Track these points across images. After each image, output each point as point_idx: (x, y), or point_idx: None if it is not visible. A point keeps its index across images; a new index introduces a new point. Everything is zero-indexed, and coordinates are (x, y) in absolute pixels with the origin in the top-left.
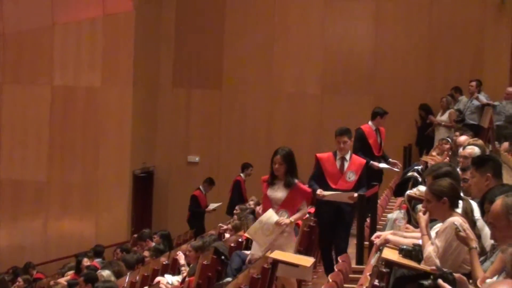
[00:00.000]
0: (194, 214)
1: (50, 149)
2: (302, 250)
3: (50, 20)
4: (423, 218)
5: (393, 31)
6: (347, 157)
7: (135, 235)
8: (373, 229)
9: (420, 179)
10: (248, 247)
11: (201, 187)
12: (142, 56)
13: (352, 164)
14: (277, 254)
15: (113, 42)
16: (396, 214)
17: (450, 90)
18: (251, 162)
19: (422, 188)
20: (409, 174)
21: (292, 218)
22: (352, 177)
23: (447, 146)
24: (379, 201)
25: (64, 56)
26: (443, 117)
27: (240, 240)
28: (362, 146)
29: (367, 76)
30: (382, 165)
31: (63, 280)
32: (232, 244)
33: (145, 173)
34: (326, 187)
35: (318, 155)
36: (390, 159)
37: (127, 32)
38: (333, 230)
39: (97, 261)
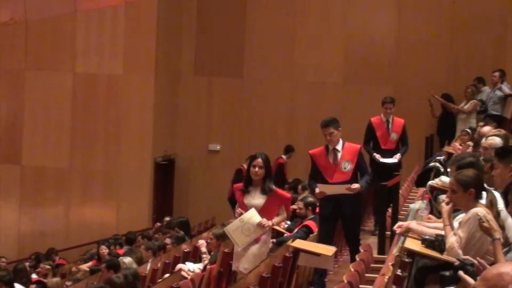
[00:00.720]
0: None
1: (72, 136)
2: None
3: (73, 7)
4: (446, 208)
5: (415, 20)
6: (339, 147)
7: (159, 223)
8: (395, 219)
9: (442, 170)
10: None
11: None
12: (164, 44)
13: (346, 153)
14: (298, 243)
15: (135, 30)
16: (419, 204)
17: (473, 80)
18: (272, 151)
19: (444, 179)
20: (431, 164)
21: (274, 221)
22: (347, 166)
23: (466, 137)
24: (400, 191)
25: (86, 44)
26: (466, 107)
27: None
28: (370, 138)
29: (389, 66)
30: (383, 160)
31: (85, 267)
32: None
33: (166, 161)
34: (324, 183)
35: (310, 151)
36: (397, 157)
37: (149, 20)
38: (334, 226)
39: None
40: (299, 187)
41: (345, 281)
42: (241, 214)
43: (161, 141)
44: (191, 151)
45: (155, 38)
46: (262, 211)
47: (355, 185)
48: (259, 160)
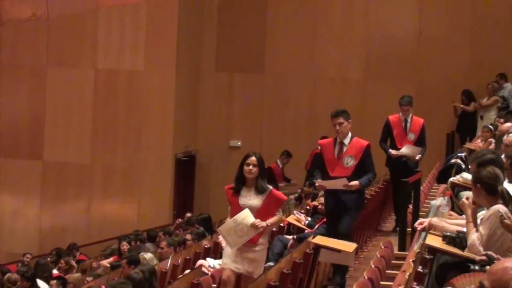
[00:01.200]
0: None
1: (93, 132)
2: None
3: (94, 3)
4: (469, 205)
5: (437, 17)
6: (346, 141)
7: (180, 219)
8: (416, 216)
9: (463, 166)
10: (290, 232)
11: (278, 160)
12: (185, 40)
13: (351, 148)
14: (319, 239)
15: (156, 26)
16: (440, 201)
17: (496, 76)
18: (293, 147)
19: (466, 175)
20: (452, 161)
21: (269, 222)
22: (350, 162)
23: (489, 134)
24: (421, 188)
25: (108, 40)
26: (484, 102)
27: (281, 225)
28: (387, 137)
29: (410, 62)
30: (394, 152)
31: (105, 262)
32: (274, 229)
33: (187, 157)
34: (326, 176)
35: (320, 141)
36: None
37: (170, 16)
38: (338, 219)
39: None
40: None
41: (366, 278)
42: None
43: (182, 137)
44: (212, 147)
45: (176, 34)
46: (259, 212)
47: (353, 183)
48: (253, 158)
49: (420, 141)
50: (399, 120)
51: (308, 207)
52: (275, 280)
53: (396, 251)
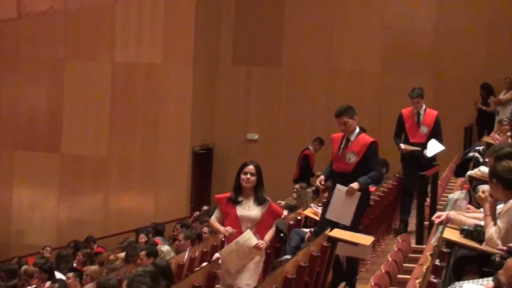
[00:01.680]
0: (304, 173)
1: (110, 125)
2: (361, 228)
3: None
4: (487, 199)
5: (455, 9)
6: (352, 137)
7: (197, 212)
8: (433, 209)
9: (481, 160)
10: (307, 225)
11: (310, 147)
12: (203, 33)
13: (355, 144)
14: (336, 232)
15: (174, 19)
16: (458, 195)
17: None
18: (310, 140)
19: (483, 169)
20: (470, 154)
21: (267, 240)
22: (352, 158)
23: (507, 127)
24: (439, 181)
25: (125, 33)
26: (503, 97)
27: (298, 218)
28: (400, 131)
29: (428, 55)
30: (403, 146)
31: (123, 255)
32: (291, 222)
33: (204, 150)
34: (331, 169)
35: (332, 135)
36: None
37: (187, 9)
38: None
39: (158, 238)
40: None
41: (383, 271)
42: (227, 231)
43: (199, 130)
44: (229, 141)
45: (194, 27)
46: (259, 225)
47: (352, 185)
48: (251, 167)
49: (434, 134)
50: (411, 113)
51: (325, 200)
52: (292, 273)
53: (413, 245)
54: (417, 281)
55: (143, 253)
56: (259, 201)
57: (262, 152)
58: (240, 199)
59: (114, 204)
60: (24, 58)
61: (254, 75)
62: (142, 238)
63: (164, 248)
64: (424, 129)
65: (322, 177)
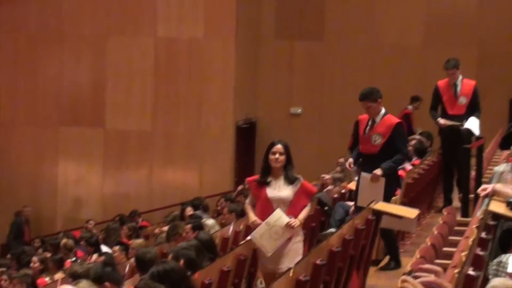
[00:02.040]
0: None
1: (154, 99)
2: (407, 201)
3: None
4: None
5: None
6: (378, 118)
7: (241, 186)
8: (478, 182)
9: None
10: (351, 198)
11: (409, 106)
12: (245, 7)
13: (381, 126)
14: (381, 206)
15: None
16: (503, 167)
17: None
18: (353, 114)
19: None
20: None
21: (301, 218)
22: (378, 140)
23: None
24: (484, 154)
25: (167, 8)
26: None
27: (343, 191)
28: (437, 104)
29: (471, 26)
30: (443, 121)
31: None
32: (335, 195)
33: (247, 124)
34: (358, 152)
35: (360, 116)
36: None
37: None
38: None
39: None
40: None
41: (429, 244)
42: (253, 224)
43: (243, 105)
44: (272, 115)
45: (236, 1)
46: (292, 205)
47: (375, 172)
48: (279, 146)
49: (473, 105)
50: (448, 85)
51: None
52: (337, 246)
53: (458, 218)
54: (463, 254)
55: (188, 226)
56: (290, 181)
57: (305, 126)
58: (269, 180)
59: (158, 178)
60: (68, 34)
61: (297, 49)
62: (189, 211)
63: (209, 221)
64: (462, 100)
65: (350, 160)
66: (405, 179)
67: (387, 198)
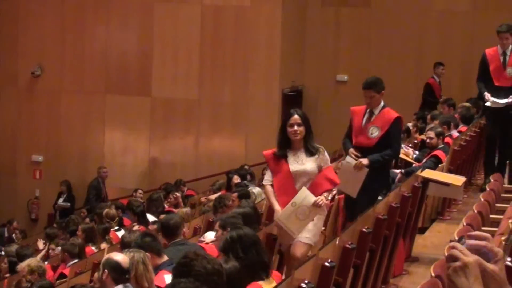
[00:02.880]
0: (427, 103)
1: (200, 67)
2: (453, 169)
3: None
4: None
5: None
6: (376, 111)
7: None
8: None
9: None
10: (397, 166)
11: (434, 75)
12: None
13: (379, 119)
14: (427, 173)
15: None
16: None
17: None
18: (401, 82)
19: None
20: None
21: (327, 195)
22: (375, 132)
23: None
24: None
25: None
26: None
27: None
28: (482, 73)
29: None
30: (493, 99)
31: (214, 197)
32: None
33: (294, 92)
34: (351, 143)
35: (352, 108)
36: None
37: None
38: (355, 200)
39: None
40: (428, 116)
41: (475, 211)
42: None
43: (289, 72)
44: (318, 82)
45: None
46: (314, 185)
47: (360, 160)
48: (296, 116)
49: None
50: (496, 54)
51: (416, 141)
52: (384, 214)
53: (506, 184)
54: (510, 221)
55: (234, 195)
56: (311, 152)
57: (351, 94)
58: (289, 153)
59: (204, 147)
60: (114, 1)
61: (343, 16)
62: (236, 179)
63: (256, 190)
64: (510, 71)
65: (352, 149)
66: (452, 146)
67: (372, 196)
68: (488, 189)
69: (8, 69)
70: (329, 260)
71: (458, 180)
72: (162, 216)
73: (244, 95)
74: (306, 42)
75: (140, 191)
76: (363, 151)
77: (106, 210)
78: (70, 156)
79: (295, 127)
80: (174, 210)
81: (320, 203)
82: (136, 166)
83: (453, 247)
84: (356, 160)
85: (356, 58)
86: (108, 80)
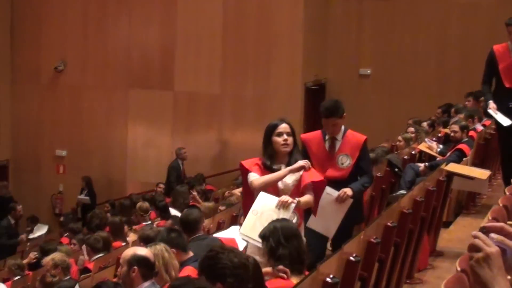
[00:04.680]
0: None
1: (223, 61)
2: (478, 162)
3: None
4: None
5: None
6: (339, 136)
7: None
8: None
9: None
10: (421, 159)
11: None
12: None
13: (346, 145)
14: (452, 167)
15: None
16: None
17: None
18: (424, 75)
19: None
20: None
21: (302, 200)
22: (346, 161)
23: None
24: None
25: None
26: None
27: (413, 152)
28: (489, 74)
29: None
30: (499, 116)
31: (237, 191)
32: (405, 157)
33: (317, 86)
34: None
35: (303, 135)
36: None
37: None
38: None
39: None
40: (452, 110)
41: (500, 205)
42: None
43: (312, 66)
44: (341, 76)
45: None
46: (293, 193)
47: (345, 191)
48: (285, 125)
49: None
50: (506, 50)
51: (440, 135)
52: (409, 208)
53: None
54: None
55: None
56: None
57: (375, 87)
58: (275, 167)
59: (227, 141)
60: None
61: (366, 9)
62: None
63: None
64: None
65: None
66: (476, 139)
67: (345, 232)
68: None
69: (31, 64)
70: (354, 255)
71: (483, 174)
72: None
73: (267, 89)
74: (328, 35)
75: (161, 185)
76: (334, 185)
77: (139, 204)
78: (93, 150)
79: (285, 136)
80: (197, 204)
81: (284, 200)
82: (159, 160)
83: (476, 237)
84: (337, 190)
85: (379, 51)
86: (130, 75)
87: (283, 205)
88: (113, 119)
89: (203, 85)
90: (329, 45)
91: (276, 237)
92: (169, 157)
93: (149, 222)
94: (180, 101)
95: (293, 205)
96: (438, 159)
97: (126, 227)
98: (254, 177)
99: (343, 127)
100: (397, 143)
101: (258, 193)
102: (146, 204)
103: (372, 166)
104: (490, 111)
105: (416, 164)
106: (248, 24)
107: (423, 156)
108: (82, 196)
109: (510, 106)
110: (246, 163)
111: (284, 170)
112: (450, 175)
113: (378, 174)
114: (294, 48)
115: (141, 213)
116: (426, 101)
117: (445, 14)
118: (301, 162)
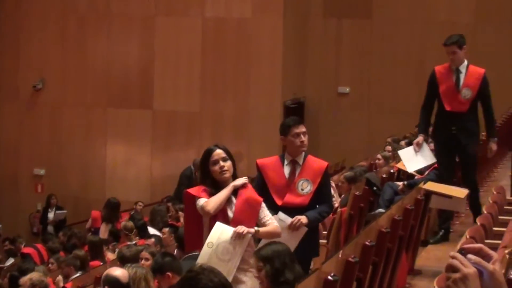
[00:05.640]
0: None
1: (202, 80)
2: (456, 181)
3: None
4: None
5: None
6: (300, 160)
7: None
8: None
9: None
10: (400, 178)
11: None
12: None
13: (307, 170)
14: (430, 185)
15: None
16: None
17: None
18: (403, 93)
19: None
20: None
21: (258, 228)
22: (306, 187)
23: None
24: None
25: None
26: None
27: (391, 171)
28: (430, 95)
29: None
30: (419, 140)
31: None
32: (384, 175)
33: (295, 104)
34: (272, 205)
35: (258, 161)
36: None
37: None
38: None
39: None
40: (430, 128)
41: (478, 224)
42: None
43: (290, 84)
44: (320, 94)
45: None
46: (234, 222)
47: (299, 218)
48: (219, 150)
49: (483, 102)
50: (447, 71)
51: None
52: (387, 227)
53: (508, 196)
54: None
55: None
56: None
57: (353, 106)
58: (213, 193)
59: None
60: (116, 14)
61: (345, 28)
62: None
63: None
64: (466, 93)
65: (280, 213)
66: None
67: (304, 260)
68: (491, 201)
69: (9, 82)
70: (332, 274)
71: (460, 192)
72: (165, 229)
73: (246, 108)
74: (307, 53)
75: (140, 203)
76: (292, 212)
77: (123, 223)
78: (72, 169)
79: (221, 163)
80: (175, 223)
81: (239, 231)
82: (137, 179)
83: (453, 257)
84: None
85: (357, 70)
86: (109, 93)
87: (239, 237)
88: (92, 138)
89: (182, 103)
90: (308, 64)
91: (281, 259)
92: (148, 176)
93: (134, 242)
94: (159, 119)
95: (249, 235)
96: (416, 177)
97: (104, 247)
98: (204, 201)
99: (303, 153)
100: (376, 161)
101: (211, 217)
102: (130, 223)
103: (351, 184)
104: (409, 148)
105: (395, 182)
106: (227, 42)
107: (401, 174)
108: (60, 212)
109: (453, 131)
110: (193, 191)
111: (228, 187)
112: (428, 193)
113: (357, 193)
114: (273, 66)
115: (126, 232)
116: (405, 120)
117: (423, 33)
118: (242, 179)
